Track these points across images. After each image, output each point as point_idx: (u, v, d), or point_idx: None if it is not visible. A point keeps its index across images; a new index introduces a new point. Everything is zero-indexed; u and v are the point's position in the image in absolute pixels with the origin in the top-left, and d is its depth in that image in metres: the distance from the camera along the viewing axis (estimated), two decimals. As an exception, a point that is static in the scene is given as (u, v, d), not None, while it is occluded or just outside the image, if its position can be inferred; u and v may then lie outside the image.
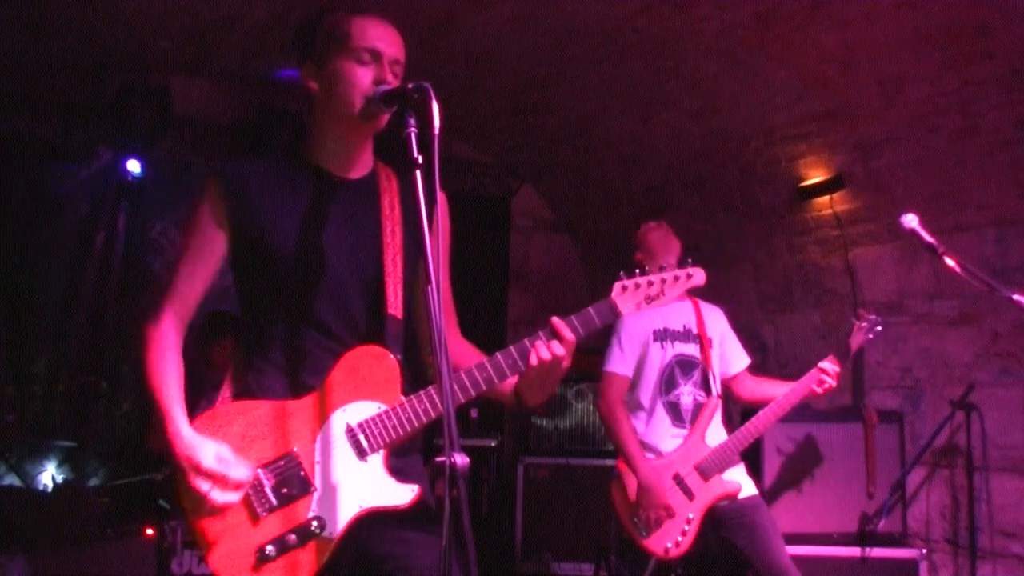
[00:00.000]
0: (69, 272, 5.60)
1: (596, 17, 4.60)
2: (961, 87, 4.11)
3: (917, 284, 4.78)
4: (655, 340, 3.65)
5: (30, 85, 5.41)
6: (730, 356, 3.82)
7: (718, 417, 3.67)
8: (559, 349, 1.96)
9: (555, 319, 1.99)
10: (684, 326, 3.71)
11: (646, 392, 3.65)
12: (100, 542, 4.11)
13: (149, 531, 4.13)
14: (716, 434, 3.63)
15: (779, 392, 3.61)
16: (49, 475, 5.17)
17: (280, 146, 2.11)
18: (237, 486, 1.90)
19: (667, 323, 3.68)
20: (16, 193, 5.42)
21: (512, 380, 2.05)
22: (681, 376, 3.65)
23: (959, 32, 3.89)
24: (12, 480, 4.90)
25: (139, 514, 4.30)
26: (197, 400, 2.37)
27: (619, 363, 3.65)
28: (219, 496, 1.89)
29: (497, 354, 1.99)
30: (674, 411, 3.63)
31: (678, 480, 3.52)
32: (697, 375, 3.67)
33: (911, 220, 2.86)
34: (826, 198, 5.04)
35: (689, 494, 3.51)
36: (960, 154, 4.32)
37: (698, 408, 3.63)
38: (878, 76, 4.33)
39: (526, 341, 1.99)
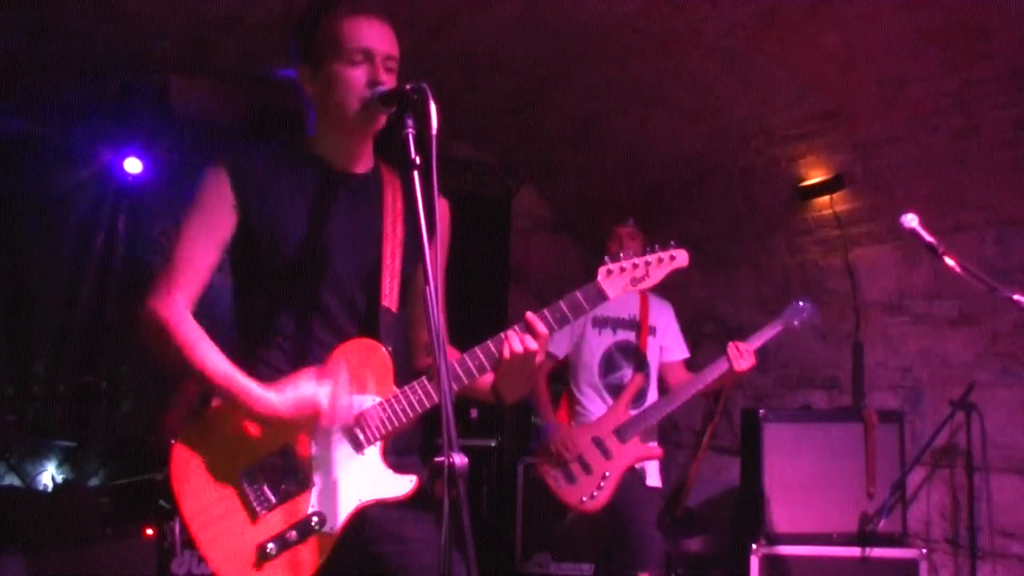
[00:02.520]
0: (69, 272, 5.59)
1: (596, 17, 4.59)
2: (961, 87, 4.10)
3: (917, 284, 4.78)
4: (593, 327, 4.01)
5: (30, 85, 5.41)
6: (670, 346, 4.14)
7: (652, 393, 4.02)
8: (532, 343, 1.99)
9: (529, 314, 2.02)
10: (630, 314, 4.05)
11: (589, 375, 4.00)
12: (100, 542, 4.11)
13: (149, 531, 4.13)
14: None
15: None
16: (49, 475, 5.17)
17: (284, 137, 2.11)
18: (349, 403, 1.96)
19: (608, 311, 4.02)
20: (16, 193, 5.42)
21: (490, 377, 2.07)
22: (623, 360, 4.02)
23: (959, 32, 3.89)
24: (12, 480, 4.91)
25: (139, 514, 4.30)
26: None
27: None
28: (344, 409, 1.95)
29: (475, 348, 2.01)
30: (616, 392, 3.95)
31: (596, 441, 3.84)
32: (636, 360, 4.02)
33: (911, 220, 2.85)
34: (826, 198, 5.03)
35: (607, 454, 3.82)
36: (960, 154, 4.32)
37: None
38: (878, 76, 4.33)
39: (501, 334, 2.01)
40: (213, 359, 1.93)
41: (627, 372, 4.00)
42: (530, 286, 7.12)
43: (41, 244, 5.51)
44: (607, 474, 3.79)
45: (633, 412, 3.90)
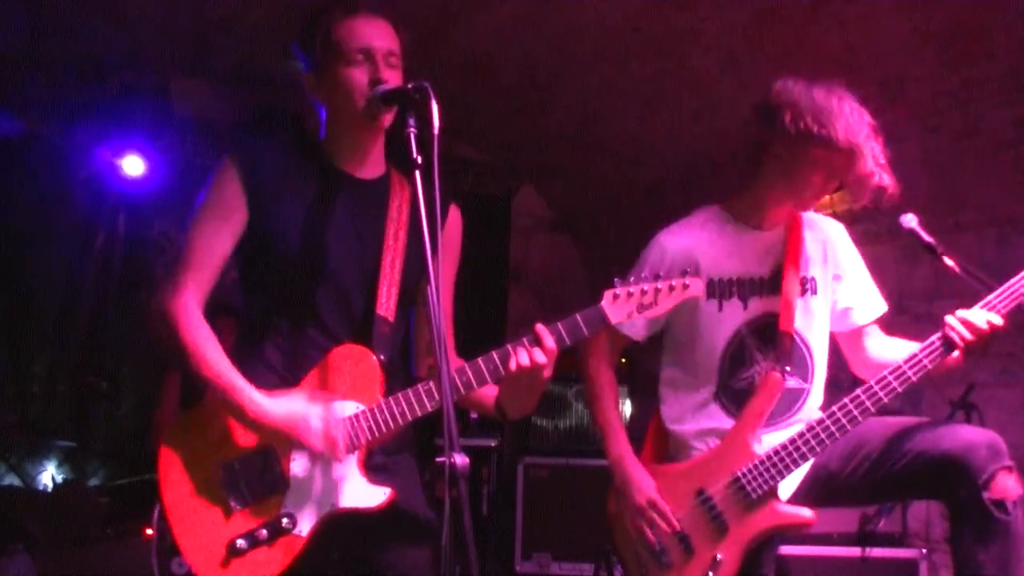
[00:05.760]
0: (69, 272, 5.60)
1: (596, 17, 4.60)
2: (961, 87, 4.10)
3: (917, 284, 4.77)
4: (710, 296, 2.42)
5: (30, 85, 5.41)
6: (852, 299, 2.60)
7: (816, 398, 2.50)
8: (540, 357, 1.91)
9: (539, 326, 1.93)
10: (770, 266, 2.49)
11: (703, 374, 2.48)
12: (100, 542, 4.11)
13: (149, 531, 4.13)
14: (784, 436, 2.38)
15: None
16: (49, 475, 5.17)
17: (295, 135, 2.13)
18: (338, 424, 1.93)
19: (739, 266, 2.48)
20: (16, 193, 5.42)
21: (493, 392, 2.02)
22: (760, 350, 2.45)
23: (959, 32, 3.89)
24: (12, 480, 4.91)
25: (139, 514, 4.30)
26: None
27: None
28: (336, 430, 1.91)
29: (478, 359, 1.95)
30: (740, 403, 2.42)
31: (703, 499, 2.37)
32: (775, 345, 2.44)
33: (910, 220, 2.85)
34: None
35: (720, 524, 2.36)
36: (960, 154, 4.32)
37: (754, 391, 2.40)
38: (878, 76, 4.33)
39: (508, 347, 1.94)
40: (214, 360, 1.94)
41: (760, 369, 2.44)
42: (530, 286, 7.11)
43: (41, 244, 5.52)
44: (718, 559, 2.32)
45: (761, 447, 2.35)
